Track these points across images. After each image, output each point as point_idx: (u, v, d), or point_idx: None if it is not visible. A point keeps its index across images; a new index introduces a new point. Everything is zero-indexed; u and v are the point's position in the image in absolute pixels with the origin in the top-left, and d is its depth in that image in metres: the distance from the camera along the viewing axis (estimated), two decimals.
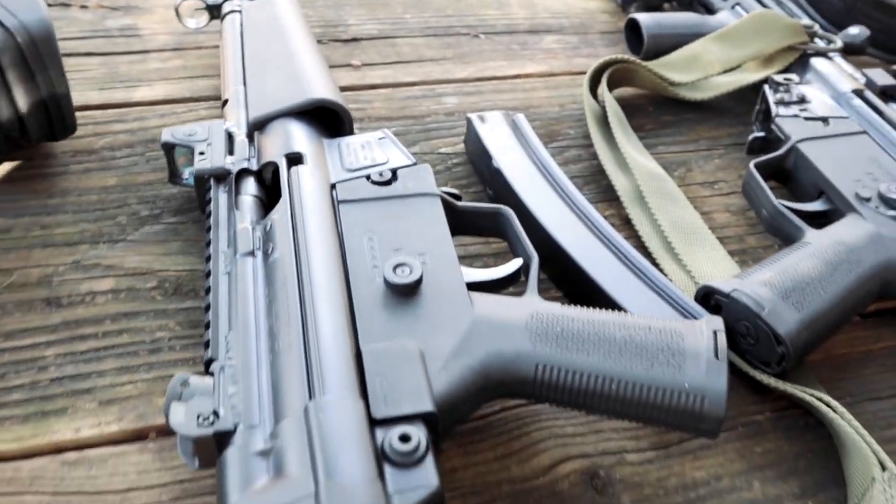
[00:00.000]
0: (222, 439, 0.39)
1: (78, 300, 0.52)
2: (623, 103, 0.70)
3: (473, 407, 0.44)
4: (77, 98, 0.61)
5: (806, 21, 0.72)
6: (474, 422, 0.48)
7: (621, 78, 0.71)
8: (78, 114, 0.61)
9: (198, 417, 0.39)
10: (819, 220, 0.58)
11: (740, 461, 0.48)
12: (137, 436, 0.46)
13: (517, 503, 0.44)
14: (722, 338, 0.43)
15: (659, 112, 0.72)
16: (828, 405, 0.48)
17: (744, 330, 0.50)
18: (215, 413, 0.39)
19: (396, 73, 0.74)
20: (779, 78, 0.68)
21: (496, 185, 0.60)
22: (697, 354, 0.43)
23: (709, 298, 0.52)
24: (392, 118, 0.68)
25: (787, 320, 0.49)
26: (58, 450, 0.45)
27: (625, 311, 0.47)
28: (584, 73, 0.76)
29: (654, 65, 0.72)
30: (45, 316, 0.51)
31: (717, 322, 0.45)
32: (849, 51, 0.75)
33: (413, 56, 0.76)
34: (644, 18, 0.76)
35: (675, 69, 0.72)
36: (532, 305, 0.45)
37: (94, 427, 0.46)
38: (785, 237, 0.58)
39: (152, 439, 0.45)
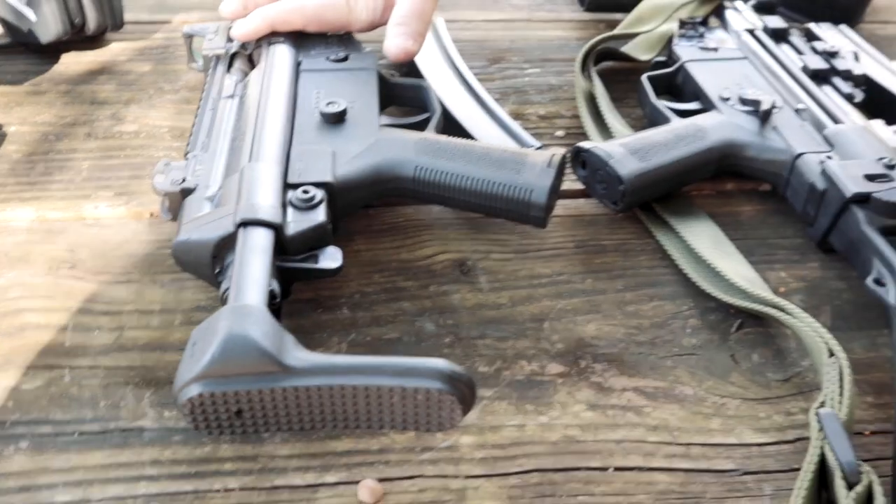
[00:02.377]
0: (187, 195, 0.56)
1: (109, 135, 0.71)
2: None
3: (368, 194, 0.60)
4: (129, 17, 0.82)
5: None
6: (379, 224, 0.64)
7: (606, 55, 0.85)
8: (128, 26, 0.81)
9: (171, 182, 0.57)
10: (691, 116, 0.73)
11: (581, 266, 0.62)
12: (137, 216, 0.64)
13: (400, 273, 0.60)
14: (556, 158, 0.59)
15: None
16: (787, 312, 0.56)
17: (600, 177, 0.65)
18: (184, 179, 0.57)
19: None
20: (686, 18, 0.82)
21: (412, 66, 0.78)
22: (534, 164, 0.58)
23: (579, 155, 0.67)
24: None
25: (629, 167, 0.64)
26: (81, 219, 0.63)
27: None
28: (541, 21, 0.94)
29: (621, 30, 0.85)
30: (84, 142, 0.70)
31: (560, 150, 0.60)
32: (761, 9, 0.89)
33: None
34: None
35: (637, 25, 0.86)
36: (425, 133, 0.62)
37: (108, 208, 0.64)
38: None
39: (147, 219, 0.63)
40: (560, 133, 0.76)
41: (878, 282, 0.57)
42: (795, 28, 0.83)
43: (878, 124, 0.70)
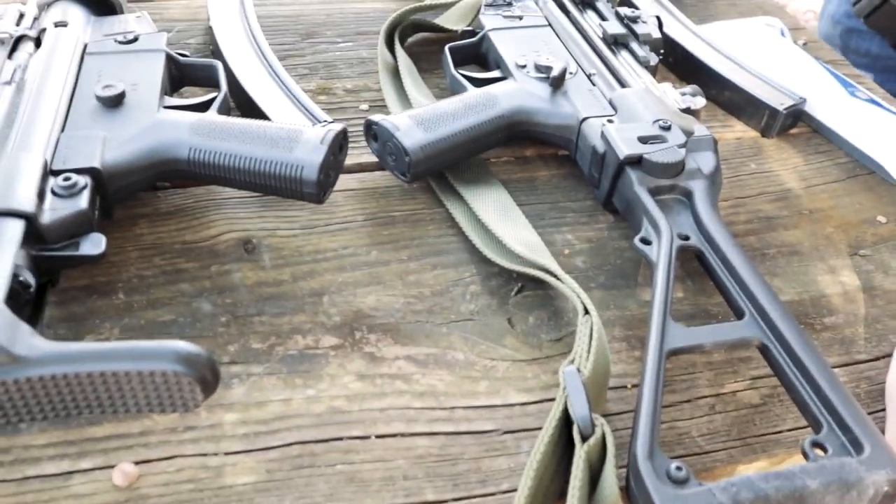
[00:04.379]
0: None
1: None
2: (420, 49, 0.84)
3: (144, 178, 0.59)
4: None
5: None
6: (167, 206, 0.63)
7: (414, 28, 0.85)
8: None
9: None
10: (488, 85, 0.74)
11: (367, 238, 0.63)
12: None
13: (182, 255, 0.60)
14: (331, 132, 0.59)
15: None
16: (553, 274, 0.57)
17: (389, 149, 0.66)
18: None
19: None
20: None
21: (213, 40, 0.77)
22: (307, 141, 0.58)
23: (370, 128, 0.67)
24: (179, 20, 0.83)
25: (414, 138, 0.64)
26: None
27: None
28: None
29: (432, 3, 0.85)
30: None
31: (337, 125, 0.60)
32: None
33: None
34: None
35: None
36: (204, 115, 0.61)
37: None
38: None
39: None
40: (364, 106, 0.76)
41: (645, 240, 0.59)
42: None
43: (666, 87, 0.72)
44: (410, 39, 0.85)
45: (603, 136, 0.65)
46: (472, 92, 0.70)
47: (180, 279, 0.58)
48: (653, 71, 0.76)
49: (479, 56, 0.79)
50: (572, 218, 0.67)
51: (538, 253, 0.60)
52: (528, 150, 0.73)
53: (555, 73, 0.70)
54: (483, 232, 0.63)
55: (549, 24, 0.80)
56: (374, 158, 0.68)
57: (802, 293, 0.63)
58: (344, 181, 0.67)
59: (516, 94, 0.70)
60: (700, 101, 0.71)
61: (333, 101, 0.76)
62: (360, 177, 0.68)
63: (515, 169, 0.71)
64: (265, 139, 0.59)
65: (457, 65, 0.77)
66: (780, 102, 0.78)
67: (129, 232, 0.61)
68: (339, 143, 0.61)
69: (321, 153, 0.58)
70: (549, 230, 0.65)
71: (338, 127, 0.60)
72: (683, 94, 0.72)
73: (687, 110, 0.70)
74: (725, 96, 0.82)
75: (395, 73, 0.78)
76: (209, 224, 0.62)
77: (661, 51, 0.80)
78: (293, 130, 0.59)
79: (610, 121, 0.66)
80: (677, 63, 0.86)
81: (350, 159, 0.68)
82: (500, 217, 0.63)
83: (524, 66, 0.73)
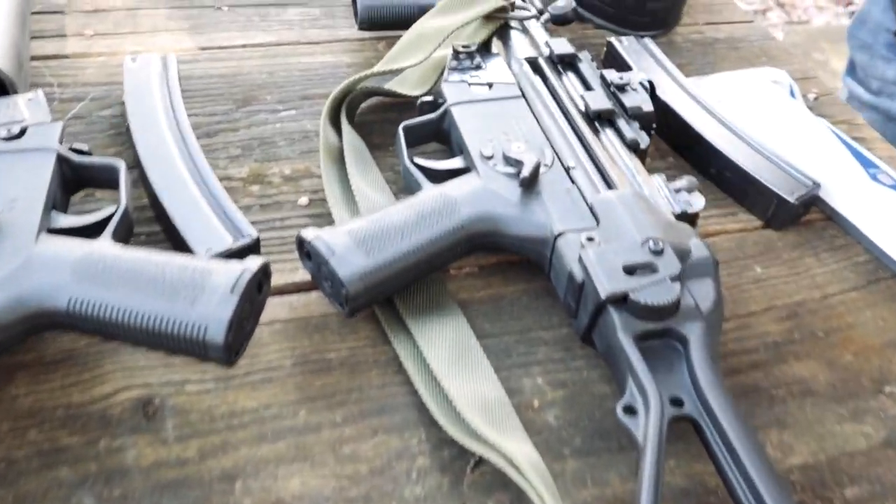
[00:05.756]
0: None
1: None
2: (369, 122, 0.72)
3: (11, 336, 0.48)
4: None
5: None
6: (54, 352, 0.52)
7: (367, 94, 0.72)
8: None
9: None
10: (448, 180, 0.62)
11: (296, 392, 0.52)
12: None
13: (66, 424, 0.49)
14: (246, 276, 0.48)
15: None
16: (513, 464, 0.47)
17: (325, 274, 0.55)
18: None
19: (124, 42, 0.78)
20: (459, 46, 0.71)
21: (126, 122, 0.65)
22: (215, 289, 0.47)
23: (303, 245, 0.56)
24: (95, 83, 0.72)
25: (353, 266, 0.53)
26: None
27: (191, 251, 0.53)
28: (311, 43, 0.81)
29: (383, 66, 0.72)
30: None
31: (255, 262, 0.49)
32: (558, 22, 0.78)
33: (149, 27, 0.80)
34: None
35: (404, 56, 0.73)
36: (93, 247, 0.50)
37: None
38: (413, 192, 0.62)
39: None
40: (304, 200, 0.65)
41: (629, 409, 0.48)
42: (585, 53, 0.73)
43: (657, 181, 0.61)
44: (364, 105, 0.73)
45: (581, 261, 0.53)
46: (428, 194, 0.59)
47: (60, 461, 0.47)
48: (642, 155, 0.65)
49: (440, 133, 0.68)
50: (544, 354, 0.56)
51: (497, 422, 0.49)
52: (494, 257, 0.62)
53: (526, 172, 0.59)
54: (434, 384, 0.52)
55: (523, 95, 0.68)
56: (309, 276, 0.57)
57: (818, 452, 0.53)
58: (272, 308, 0.56)
59: (480, 196, 0.59)
60: (698, 202, 0.60)
61: (268, 193, 0.65)
62: (292, 301, 0.57)
63: (478, 284, 0.60)
64: (162, 287, 0.47)
65: (415, 144, 0.66)
66: (792, 191, 0.67)
67: (3, 392, 0.50)
68: (258, 283, 0.50)
69: (230, 306, 0.46)
70: (517, 372, 0.55)
71: (254, 265, 0.49)
72: (678, 191, 0.61)
73: (682, 215, 0.59)
74: (726, 177, 0.70)
75: (340, 159, 0.66)
76: (103, 377, 0.51)
77: (654, 125, 0.68)
78: (199, 272, 0.48)
79: (590, 238, 0.55)
80: (672, 132, 0.74)
81: (280, 276, 0.57)
82: (454, 364, 0.53)
83: (490, 157, 0.62)
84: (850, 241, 0.68)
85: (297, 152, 0.69)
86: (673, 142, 0.75)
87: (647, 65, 0.78)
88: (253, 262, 0.49)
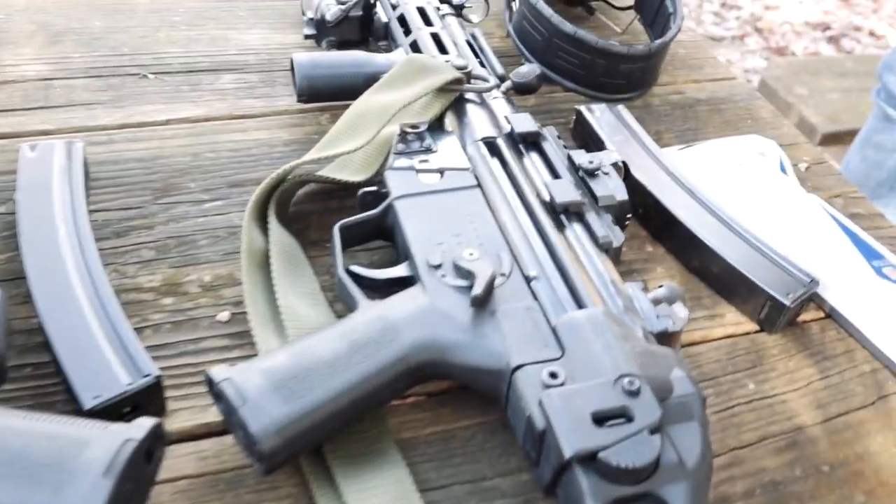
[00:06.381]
0: None
1: None
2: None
3: None
4: None
5: (460, 61, 0.67)
6: None
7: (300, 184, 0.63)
8: None
9: None
10: (402, 288, 0.53)
11: None
12: None
13: None
14: (126, 450, 0.39)
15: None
16: None
17: (237, 423, 0.46)
18: None
19: (31, 119, 0.69)
20: (407, 126, 0.63)
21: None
22: (87, 471, 0.38)
23: (213, 385, 0.47)
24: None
25: (268, 415, 0.44)
26: None
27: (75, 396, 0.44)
28: (245, 116, 0.72)
29: (318, 151, 0.62)
30: None
31: (139, 429, 0.40)
32: (521, 91, 0.70)
33: (62, 100, 0.71)
34: (299, 58, 0.70)
35: (344, 138, 0.63)
36: None
37: None
38: (350, 308, 0.53)
39: None
40: (224, 316, 0.56)
41: None
42: (551, 129, 0.65)
43: (634, 291, 0.53)
44: (301, 192, 0.64)
45: (542, 406, 0.45)
46: (363, 317, 0.50)
47: None
48: (617, 253, 0.57)
49: (383, 230, 0.59)
50: None
51: None
52: (445, 382, 0.53)
53: (478, 289, 0.50)
54: None
55: (479, 184, 0.59)
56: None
57: None
58: (177, 460, 0.47)
59: (425, 318, 0.50)
60: (680, 317, 0.52)
61: (182, 307, 0.56)
62: (203, 448, 0.48)
63: (425, 418, 0.52)
64: (23, 468, 0.38)
65: (355, 244, 0.58)
66: (787, 291, 0.58)
67: None
68: (146, 452, 0.40)
69: (103, 494, 0.37)
70: None
71: (139, 433, 0.40)
72: (657, 302, 0.52)
73: (663, 335, 0.50)
74: (712, 272, 0.62)
75: (266, 265, 0.57)
76: None
77: (629, 217, 0.60)
78: (71, 444, 0.39)
79: (553, 374, 0.46)
80: (649, 216, 0.66)
81: (190, 416, 0.48)
82: None
83: (439, 267, 0.53)
84: (854, 346, 0.60)
85: (221, 253, 0.60)
86: (651, 228, 0.66)
87: (620, 138, 0.70)
88: (138, 429, 0.40)
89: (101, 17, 0.81)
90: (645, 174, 0.67)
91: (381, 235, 0.59)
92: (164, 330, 0.54)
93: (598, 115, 0.72)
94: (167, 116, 0.71)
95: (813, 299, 0.62)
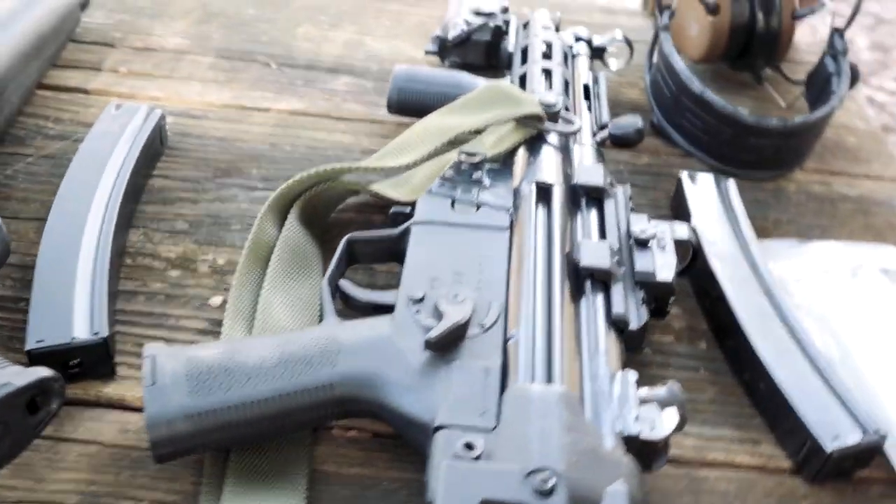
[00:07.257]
0: None
1: None
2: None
3: None
4: None
5: (549, 98, 0.62)
6: None
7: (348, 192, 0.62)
8: None
9: None
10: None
11: None
12: None
13: None
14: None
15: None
16: None
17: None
18: None
19: (150, 85, 0.73)
20: (464, 154, 0.59)
21: None
22: None
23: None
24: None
25: (168, 402, 0.43)
26: None
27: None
28: (339, 118, 0.72)
29: (372, 161, 0.60)
30: None
31: (26, 377, 0.40)
32: (618, 142, 0.64)
33: (185, 74, 0.75)
34: (398, 69, 0.69)
35: (396, 154, 0.60)
36: None
37: None
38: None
39: None
40: (216, 301, 0.56)
41: None
42: (626, 189, 0.58)
43: (622, 380, 0.45)
44: (352, 200, 0.63)
45: (440, 476, 0.39)
46: (313, 332, 0.48)
47: None
48: (638, 336, 0.50)
49: (398, 253, 0.55)
50: None
51: None
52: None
53: (434, 333, 0.45)
54: None
55: (510, 229, 0.54)
56: None
57: None
58: (104, 425, 0.47)
59: (374, 350, 0.46)
60: (663, 427, 0.43)
61: (183, 282, 0.56)
62: (131, 421, 0.48)
63: (357, 457, 0.48)
64: None
65: (366, 262, 0.56)
66: (834, 435, 0.48)
67: None
68: (28, 403, 0.41)
69: None
70: None
71: (22, 379, 0.40)
72: (645, 402, 0.44)
73: (632, 439, 0.43)
74: (759, 390, 0.52)
75: (268, 260, 0.56)
76: None
77: (671, 300, 0.52)
78: None
79: (469, 445, 0.40)
80: (714, 312, 0.57)
81: (137, 387, 0.48)
82: None
83: (419, 301, 0.49)
84: None
85: (243, 240, 0.59)
86: (713, 324, 0.57)
87: (712, 215, 0.61)
88: (23, 377, 0.40)
89: (255, 5, 0.84)
90: (722, 262, 0.58)
91: (396, 258, 0.56)
92: (157, 300, 0.55)
93: (698, 186, 0.64)
94: (269, 105, 0.72)
95: (882, 456, 0.50)
